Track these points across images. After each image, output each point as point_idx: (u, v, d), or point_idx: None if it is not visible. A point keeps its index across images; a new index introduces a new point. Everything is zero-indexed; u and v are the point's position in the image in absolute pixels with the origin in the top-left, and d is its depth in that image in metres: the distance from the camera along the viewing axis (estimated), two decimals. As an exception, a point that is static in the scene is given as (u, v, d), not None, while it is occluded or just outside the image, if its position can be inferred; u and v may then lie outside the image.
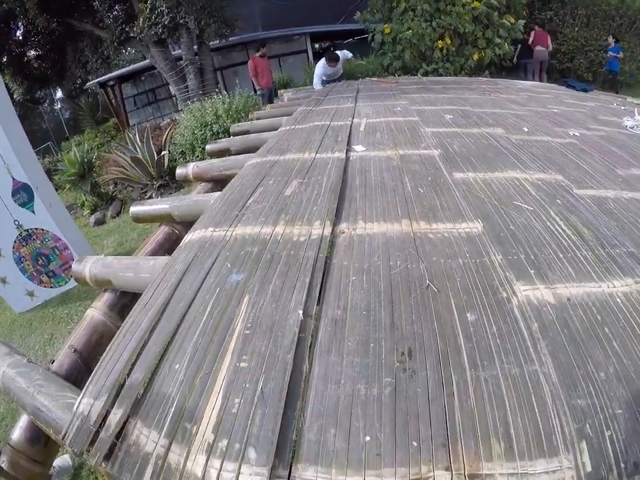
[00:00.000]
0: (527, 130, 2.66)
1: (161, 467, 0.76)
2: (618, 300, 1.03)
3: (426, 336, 0.91)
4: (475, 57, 6.53)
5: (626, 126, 3.24)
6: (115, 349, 1.06)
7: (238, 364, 0.90)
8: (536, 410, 0.75)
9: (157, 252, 1.95)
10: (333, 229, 1.39)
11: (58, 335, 3.53)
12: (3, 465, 1.13)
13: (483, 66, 6.87)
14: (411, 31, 6.29)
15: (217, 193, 2.10)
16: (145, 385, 0.92)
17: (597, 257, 1.20)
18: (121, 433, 0.85)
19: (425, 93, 4.22)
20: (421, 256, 1.17)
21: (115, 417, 0.87)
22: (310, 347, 0.92)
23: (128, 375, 0.96)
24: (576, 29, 9.08)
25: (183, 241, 1.57)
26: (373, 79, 5.91)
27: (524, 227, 1.35)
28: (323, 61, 5.83)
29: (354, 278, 1.11)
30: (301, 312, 1.00)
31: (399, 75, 6.48)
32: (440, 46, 6.41)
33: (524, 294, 1.02)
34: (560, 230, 1.34)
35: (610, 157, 2.25)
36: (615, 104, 4.57)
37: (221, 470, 0.72)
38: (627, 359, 0.86)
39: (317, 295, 1.06)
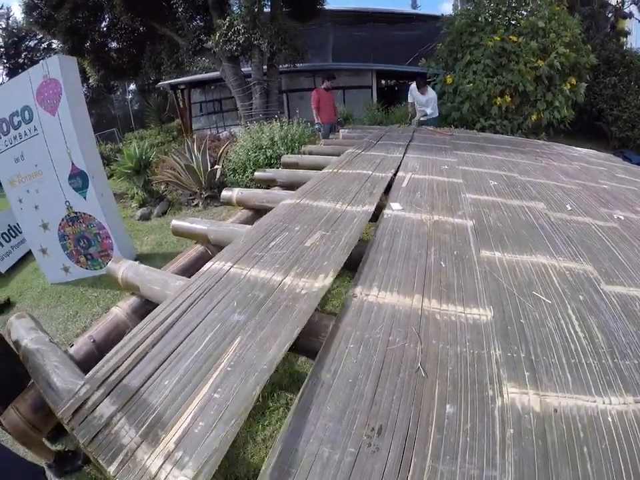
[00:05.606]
0: (569, 208, 2.62)
1: (129, 458, 0.90)
2: (609, 419, 0.99)
3: (400, 417, 0.96)
4: (534, 117, 6.44)
5: (678, 207, 3.08)
6: (120, 350, 1.23)
7: (212, 394, 1.03)
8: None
9: (187, 269, 2.08)
10: (345, 291, 1.46)
11: (82, 314, 3.59)
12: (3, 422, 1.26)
13: (541, 127, 6.73)
14: (471, 84, 6.34)
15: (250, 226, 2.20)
16: (138, 390, 1.08)
17: (602, 367, 1.16)
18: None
19: (475, 152, 4.25)
20: (421, 337, 1.22)
21: (106, 407, 1.04)
22: (290, 401, 1.02)
23: (126, 377, 1.13)
24: (639, 97, 8.74)
25: (204, 266, 1.69)
26: (429, 127, 6.01)
27: (535, 323, 1.33)
28: (413, 84, 6.10)
29: (352, 346, 1.18)
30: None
31: (455, 127, 6.52)
32: (499, 103, 6.39)
33: (510, 396, 1.02)
34: (572, 331, 1.31)
35: (651, 248, 2.15)
36: (672, 179, 4.32)
37: (169, 474, 0.85)
38: (596, 485, 0.83)
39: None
